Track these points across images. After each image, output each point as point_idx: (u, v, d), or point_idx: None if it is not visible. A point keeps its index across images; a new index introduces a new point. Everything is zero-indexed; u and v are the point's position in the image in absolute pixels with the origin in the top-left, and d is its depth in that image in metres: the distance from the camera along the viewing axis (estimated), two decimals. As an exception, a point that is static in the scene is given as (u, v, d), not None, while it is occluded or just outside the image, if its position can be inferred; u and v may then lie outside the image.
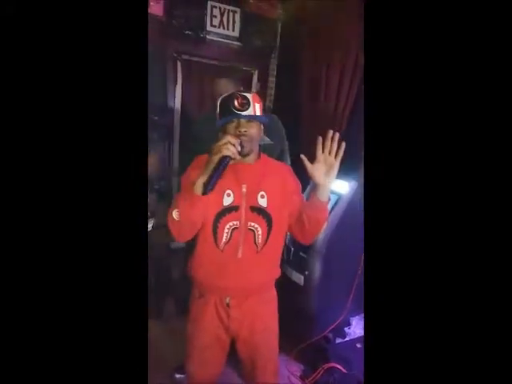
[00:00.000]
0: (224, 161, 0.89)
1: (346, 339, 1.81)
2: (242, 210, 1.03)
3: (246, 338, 1.12)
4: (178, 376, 1.68)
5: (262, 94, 2.61)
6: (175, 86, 2.37)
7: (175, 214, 0.96)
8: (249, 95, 0.98)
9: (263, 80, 2.62)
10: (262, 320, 1.12)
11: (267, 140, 1.58)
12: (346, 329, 1.82)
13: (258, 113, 0.99)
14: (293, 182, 1.11)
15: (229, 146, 0.89)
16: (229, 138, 0.89)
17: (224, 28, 2.36)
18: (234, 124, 0.98)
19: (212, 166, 0.89)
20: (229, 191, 1.02)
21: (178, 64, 2.34)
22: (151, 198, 1.31)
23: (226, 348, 1.15)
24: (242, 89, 1.54)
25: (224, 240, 1.04)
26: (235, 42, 2.42)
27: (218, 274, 1.06)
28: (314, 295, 1.70)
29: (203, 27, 2.27)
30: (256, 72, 2.59)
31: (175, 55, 2.30)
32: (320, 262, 1.68)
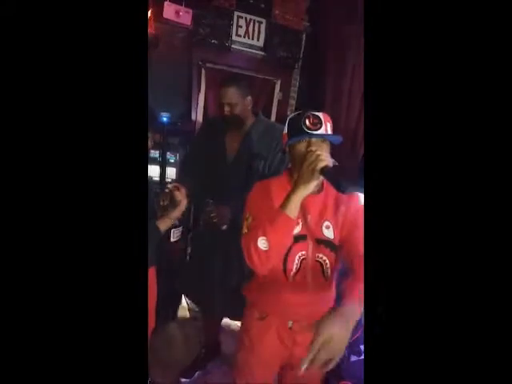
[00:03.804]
0: (328, 170, 0.84)
1: (361, 357, 1.76)
2: (309, 241, 1.00)
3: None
4: (183, 380, 1.68)
5: (283, 104, 2.63)
6: (199, 94, 2.41)
7: (263, 243, 0.86)
8: (320, 114, 0.95)
9: (285, 90, 2.63)
10: None
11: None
12: (361, 346, 1.77)
13: (330, 132, 0.96)
14: (356, 212, 1.02)
15: (322, 157, 0.84)
16: (317, 152, 0.86)
17: (249, 38, 2.40)
18: (304, 143, 0.95)
19: (314, 181, 0.84)
20: (297, 219, 0.96)
21: (203, 72, 2.38)
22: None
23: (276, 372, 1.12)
24: (249, 98, 1.52)
25: (294, 271, 1.00)
26: (259, 52, 2.45)
27: (285, 303, 1.03)
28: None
29: (229, 36, 2.31)
30: (279, 82, 2.60)
31: (200, 63, 2.35)
32: (337, 276, 1.65)
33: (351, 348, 1.71)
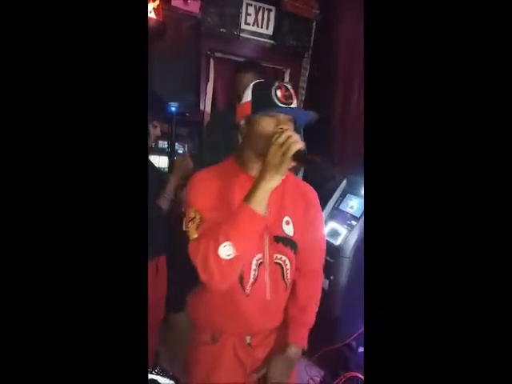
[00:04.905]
0: (303, 155, 0.69)
1: (369, 348, 1.76)
2: (266, 240, 0.82)
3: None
4: None
5: (292, 94, 2.59)
6: (207, 84, 2.39)
7: (226, 250, 0.67)
8: (290, 86, 0.78)
9: (295, 80, 2.59)
10: None
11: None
12: (369, 338, 1.77)
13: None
14: (317, 210, 0.92)
15: (294, 139, 0.68)
16: (288, 132, 0.70)
17: (258, 26, 2.36)
18: (270, 119, 0.76)
19: (285, 167, 0.68)
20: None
21: (211, 61, 2.36)
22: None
23: None
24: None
25: (252, 280, 0.82)
26: (269, 41, 2.41)
27: (241, 319, 0.86)
28: (338, 301, 1.66)
29: (237, 25, 2.28)
30: (288, 71, 2.56)
31: (209, 53, 2.32)
32: (346, 268, 1.65)
33: (359, 340, 1.72)
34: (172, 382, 1.57)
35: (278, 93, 0.75)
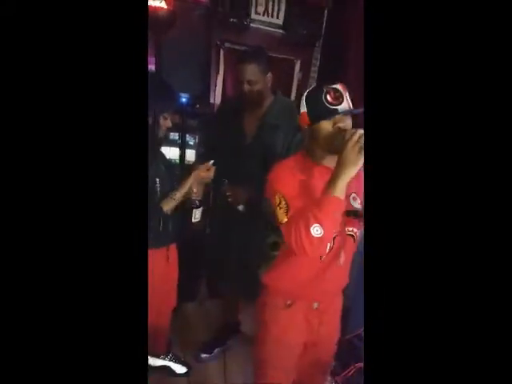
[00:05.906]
0: None
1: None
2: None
3: (325, 344, 1.13)
4: (203, 356, 1.74)
5: (303, 84, 2.56)
6: (217, 75, 2.38)
7: (316, 230, 0.81)
8: (338, 86, 0.90)
9: (305, 70, 2.56)
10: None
11: None
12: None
13: (350, 103, 0.92)
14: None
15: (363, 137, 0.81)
16: (360, 131, 0.82)
17: (268, 16, 2.33)
18: (330, 121, 0.90)
19: (362, 160, 0.81)
20: None
21: (221, 52, 2.34)
22: (199, 189, 1.31)
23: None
24: (270, 75, 1.45)
25: (327, 250, 0.97)
26: (279, 30, 2.38)
27: (315, 285, 1.02)
28: (351, 291, 1.65)
29: (248, 15, 2.25)
30: (298, 61, 2.53)
31: (218, 43, 2.31)
32: (359, 259, 1.63)
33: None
34: (184, 367, 1.60)
35: (329, 98, 0.88)
